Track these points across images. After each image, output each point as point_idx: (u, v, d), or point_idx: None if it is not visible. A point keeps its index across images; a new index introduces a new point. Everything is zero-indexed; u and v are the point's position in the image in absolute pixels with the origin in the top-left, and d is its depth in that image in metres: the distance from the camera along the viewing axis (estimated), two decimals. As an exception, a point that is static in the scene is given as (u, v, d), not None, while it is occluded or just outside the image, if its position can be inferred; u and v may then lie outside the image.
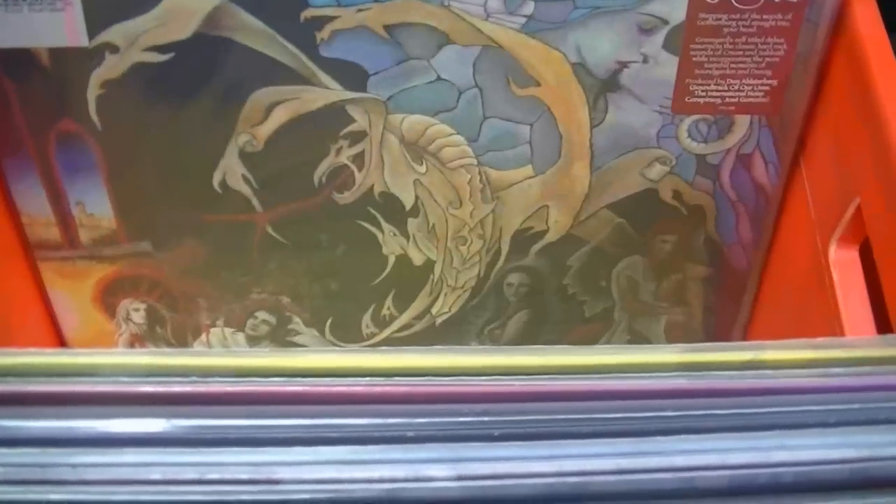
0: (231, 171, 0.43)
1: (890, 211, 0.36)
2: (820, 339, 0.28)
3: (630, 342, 0.49)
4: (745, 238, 0.46)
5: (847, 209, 0.39)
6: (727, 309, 0.48)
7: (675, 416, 0.26)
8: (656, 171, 0.44)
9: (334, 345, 0.49)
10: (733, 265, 0.47)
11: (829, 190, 0.41)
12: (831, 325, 0.39)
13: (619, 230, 0.45)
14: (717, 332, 0.49)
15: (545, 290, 0.47)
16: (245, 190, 0.44)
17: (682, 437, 0.26)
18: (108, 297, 0.48)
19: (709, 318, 0.49)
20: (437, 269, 0.47)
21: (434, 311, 0.48)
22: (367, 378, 0.26)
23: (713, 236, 0.46)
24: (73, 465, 0.25)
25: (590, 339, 0.49)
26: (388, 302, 0.48)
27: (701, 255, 0.46)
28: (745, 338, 0.50)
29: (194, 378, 0.26)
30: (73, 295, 0.48)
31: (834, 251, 0.40)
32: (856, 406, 0.26)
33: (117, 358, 0.26)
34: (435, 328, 0.49)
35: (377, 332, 0.49)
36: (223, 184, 0.44)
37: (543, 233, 0.45)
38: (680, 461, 0.25)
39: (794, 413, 0.26)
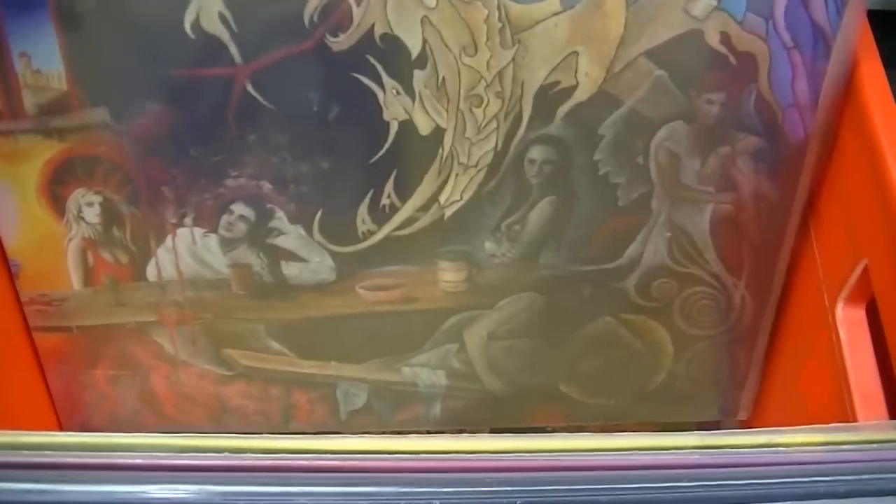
0: (206, 8, 0.37)
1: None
2: (832, 425, 0.30)
3: (671, 240, 0.42)
4: (802, 99, 0.40)
5: (854, 269, 0.39)
6: (781, 198, 0.42)
7: (690, 486, 0.27)
8: (702, 6, 0.38)
9: (323, 247, 0.42)
10: (788, 135, 0.40)
11: (837, 250, 0.41)
12: (838, 383, 0.40)
13: (658, 86, 0.39)
14: (768, 234, 0.43)
15: (573, 167, 0.40)
16: (222, 34, 0.37)
17: None
18: (57, 187, 0.40)
19: (761, 213, 0.42)
20: (448, 140, 0.40)
21: (443, 199, 0.41)
22: (395, 455, 0.27)
23: (766, 95, 0.39)
24: None
25: (624, 235, 0.42)
26: (389, 187, 0.41)
27: (752, 121, 0.40)
28: (755, 400, 0.49)
29: (226, 454, 0.27)
30: (14, 184, 0.40)
31: (841, 310, 0.40)
32: (864, 477, 0.27)
33: (151, 439, 0.27)
34: (444, 223, 0.41)
35: (375, 229, 0.41)
36: (196, 25, 0.37)
37: (572, 89, 0.39)
38: None
39: (805, 483, 0.27)
